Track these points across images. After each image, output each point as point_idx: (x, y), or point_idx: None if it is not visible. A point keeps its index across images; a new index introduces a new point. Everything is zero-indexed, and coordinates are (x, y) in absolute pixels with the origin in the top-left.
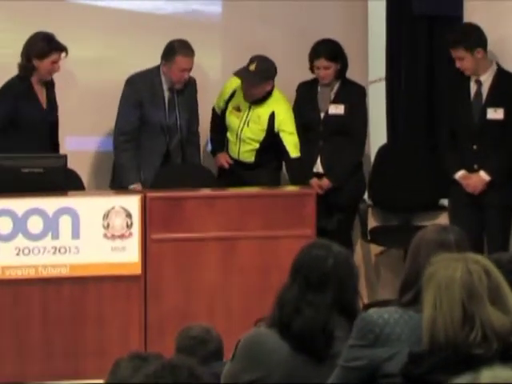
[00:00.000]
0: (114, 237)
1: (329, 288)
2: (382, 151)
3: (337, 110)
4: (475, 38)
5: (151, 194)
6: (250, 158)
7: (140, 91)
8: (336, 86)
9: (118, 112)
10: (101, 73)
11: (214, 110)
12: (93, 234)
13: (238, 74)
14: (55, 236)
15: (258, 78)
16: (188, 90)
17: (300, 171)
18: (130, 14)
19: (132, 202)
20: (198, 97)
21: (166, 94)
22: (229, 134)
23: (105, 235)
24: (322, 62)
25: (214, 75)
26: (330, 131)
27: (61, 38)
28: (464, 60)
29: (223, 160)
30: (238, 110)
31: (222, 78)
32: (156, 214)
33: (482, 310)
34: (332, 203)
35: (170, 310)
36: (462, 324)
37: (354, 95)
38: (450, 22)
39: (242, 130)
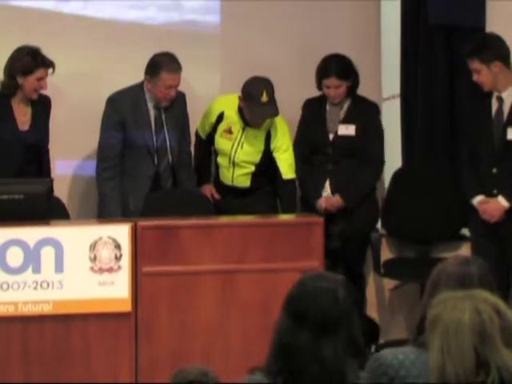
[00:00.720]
0: (101, 270)
1: (342, 326)
2: (397, 176)
3: (347, 130)
4: (493, 49)
5: (142, 223)
6: (245, 182)
7: (122, 111)
8: (346, 105)
9: (100, 135)
10: (91, 89)
11: (197, 134)
12: (78, 267)
13: (266, 115)
14: (37, 269)
15: (275, 105)
16: (176, 105)
17: (293, 196)
18: (118, 25)
19: (121, 232)
20: (191, 114)
21: (152, 113)
22: (220, 159)
23: (91, 268)
24: (332, 81)
25: (212, 92)
26: (339, 154)
27: (43, 52)
28: (480, 73)
29: (208, 193)
30: (230, 132)
31: (221, 94)
32: (148, 245)
33: (496, 354)
34: (341, 232)
35: (164, 351)
36: (476, 371)
37: (366, 114)
38: (470, 32)
39: (235, 152)
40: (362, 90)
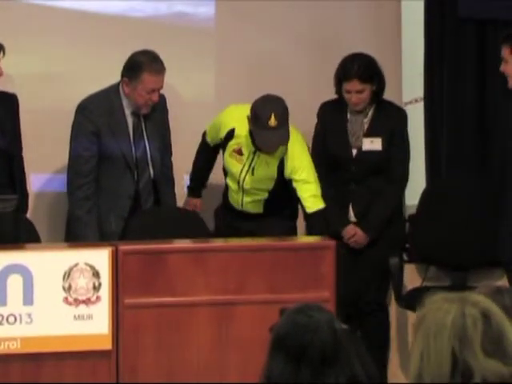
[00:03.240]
0: (77, 302)
1: (342, 358)
2: (426, 195)
3: (373, 145)
4: None
5: (124, 247)
6: (257, 208)
7: (96, 120)
8: (370, 112)
9: (70, 149)
10: (69, 92)
11: (204, 137)
12: (50, 298)
13: (268, 144)
14: (2, 301)
15: (287, 131)
16: (157, 111)
17: (323, 226)
18: (99, 18)
19: (100, 258)
20: (181, 118)
21: (130, 120)
22: (229, 181)
23: (65, 300)
24: (354, 85)
25: (206, 92)
26: (364, 171)
27: (19, 49)
28: (508, 64)
29: (196, 206)
30: (240, 153)
31: (216, 96)
32: (130, 273)
33: (474, 360)
34: (362, 259)
35: None
36: (451, 375)
37: (392, 122)
38: (505, 26)
39: (244, 179)
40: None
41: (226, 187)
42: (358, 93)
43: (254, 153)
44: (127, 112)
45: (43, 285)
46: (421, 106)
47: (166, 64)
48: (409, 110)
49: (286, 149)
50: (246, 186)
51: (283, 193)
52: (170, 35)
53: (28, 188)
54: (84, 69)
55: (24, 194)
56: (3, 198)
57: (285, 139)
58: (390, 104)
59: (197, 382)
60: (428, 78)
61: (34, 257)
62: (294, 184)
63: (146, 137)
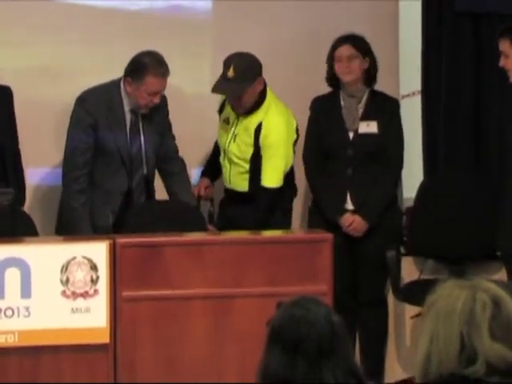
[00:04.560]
0: (74, 295)
1: (338, 350)
2: (423, 188)
3: (369, 127)
4: None
5: (122, 241)
6: (242, 185)
7: (95, 113)
8: (364, 99)
9: (66, 139)
10: (64, 87)
11: None
12: (48, 291)
13: (216, 90)
14: (0, 295)
15: (242, 84)
16: (156, 110)
17: (267, 208)
18: (92, 11)
19: (98, 251)
20: (178, 112)
21: (128, 117)
22: (220, 157)
23: (63, 293)
24: (346, 49)
25: (203, 87)
26: (361, 156)
27: (15, 43)
28: (508, 58)
29: (196, 190)
30: (228, 122)
31: None
32: (128, 266)
33: (480, 344)
34: (359, 251)
35: None
36: (459, 358)
37: (386, 110)
38: (502, 20)
39: (228, 146)
40: (378, 86)
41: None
42: (348, 60)
43: (237, 118)
44: (126, 109)
45: (41, 278)
46: (418, 99)
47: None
48: (406, 103)
49: (266, 114)
50: (230, 154)
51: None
52: (166, 29)
53: (34, 182)
54: (80, 62)
55: (21, 188)
56: (1, 190)
57: (235, 92)
58: (383, 94)
59: (194, 374)
60: (425, 71)
61: (31, 250)
62: (262, 152)
63: (142, 134)
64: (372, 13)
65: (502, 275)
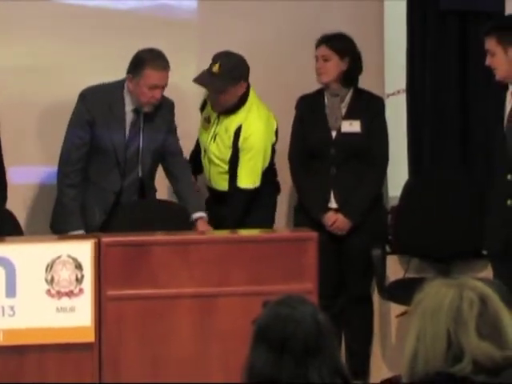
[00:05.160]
0: (59, 294)
1: (324, 348)
2: (408, 186)
3: (352, 127)
4: None
5: (107, 239)
6: (222, 184)
7: (94, 110)
8: (348, 97)
9: (65, 134)
10: (48, 84)
11: None
12: (33, 290)
13: (198, 80)
14: None
15: (224, 82)
16: (160, 114)
17: (237, 209)
18: (79, 10)
19: (83, 250)
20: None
21: (129, 117)
22: (202, 157)
23: (48, 292)
24: (320, 50)
25: (188, 86)
26: (343, 155)
27: None
28: (494, 56)
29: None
30: (208, 121)
31: (197, 88)
32: (113, 265)
33: (467, 342)
34: (344, 250)
35: None
36: (445, 356)
37: (370, 109)
38: (487, 19)
39: (208, 146)
40: (363, 85)
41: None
42: (324, 60)
43: (218, 118)
44: (128, 108)
45: (26, 277)
46: (403, 97)
47: None
48: (391, 101)
49: (247, 115)
50: (209, 154)
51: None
52: (152, 27)
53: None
54: (66, 62)
55: (3, 187)
56: None
57: (217, 87)
58: (368, 92)
59: (180, 373)
60: (410, 69)
61: (16, 249)
62: (240, 155)
63: (141, 136)
64: (357, 12)
65: (487, 273)
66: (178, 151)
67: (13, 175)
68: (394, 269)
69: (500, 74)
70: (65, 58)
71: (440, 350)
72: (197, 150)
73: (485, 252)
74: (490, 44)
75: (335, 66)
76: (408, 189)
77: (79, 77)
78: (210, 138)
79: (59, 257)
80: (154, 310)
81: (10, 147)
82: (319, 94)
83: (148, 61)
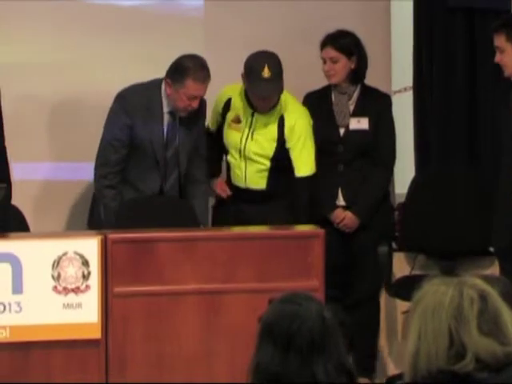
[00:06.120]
0: (66, 291)
1: (329, 344)
2: (415, 183)
3: (360, 124)
4: None
5: (113, 236)
6: (260, 183)
7: (133, 113)
8: (355, 94)
9: (102, 135)
10: (53, 81)
11: (207, 128)
12: (39, 287)
13: (265, 93)
14: None
15: (280, 82)
16: (195, 116)
17: (301, 198)
18: (85, 7)
19: (89, 247)
20: None
21: (166, 118)
22: (230, 157)
23: (55, 289)
24: (328, 52)
25: None
26: (352, 152)
27: (2, 39)
28: (504, 53)
29: (220, 189)
30: (238, 121)
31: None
32: (120, 262)
33: (468, 339)
34: (351, 247)
35: None
36: (448, 354)
37: (378, 106)
38: (494, 16)
39: (245, 145)
40: (370, 82)
41: (228, 170)
42: (331, 62)
43: (252, 115)
44: (165, 110)
45: (32, 274)
46: (410, 94)
47: (154, 53)
48: (398, 98)
49: (285, 106)
50: (248, 152)
51: (285, 168)
52: (158, 24)
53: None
54: (71, 58)
55: (8, 185)
56: None
57: (278, 90)
58: (375, 89)
59: (185, 369)
60: (417, 67)
61: (23, 246)
62: (290, 145)
63: (178, 137)
64: (364, 9)
65: (493, 270)
66: (203, 152)
67: (19, 171)
68: (401, 266)
69: (509, 70)
70: (71, 55)
71: (442, 348)
72: (215, 152)
73: (491, 249)
74: (500, 41)
75: (344, 66)
76: (415, 186)
77: (86, 74)
78: (244, 137)
79: (66, 253)
80: (160, 306)
81: (16, 143)
82: (326, 90)
83: (191, 71)
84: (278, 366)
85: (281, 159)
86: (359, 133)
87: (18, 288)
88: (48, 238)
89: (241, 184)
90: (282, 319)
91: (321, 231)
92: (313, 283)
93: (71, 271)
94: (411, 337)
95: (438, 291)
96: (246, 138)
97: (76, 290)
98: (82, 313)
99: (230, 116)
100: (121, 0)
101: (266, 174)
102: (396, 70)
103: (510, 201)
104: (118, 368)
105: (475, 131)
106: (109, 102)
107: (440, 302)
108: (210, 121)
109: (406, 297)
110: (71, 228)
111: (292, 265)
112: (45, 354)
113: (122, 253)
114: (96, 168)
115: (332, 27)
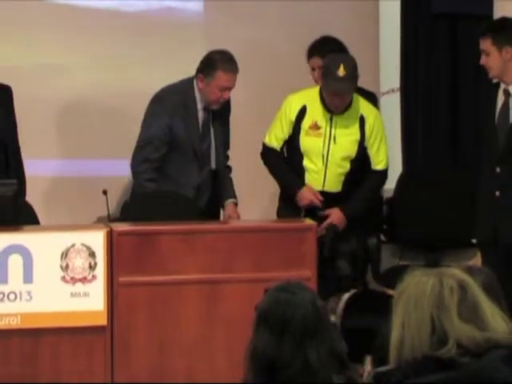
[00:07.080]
0: (74, 280)
1: (322, 330)
2: (402, 179)
3: None
4: (507, 33)
5: (119, 229)
6: (336, 186)
7: (172, 112)
8: None
9: (141, 134)
10: (63, 82)
11: (266, 148)
12: (48, 276)
13: (340, 89)
14: (3, 280)
15: (355, 81)
16: (223, 109)
17: (379, 190)
18: (90, 12)
19: (96, 239)
20: None
21: (201, 115)
22: (307, 162)
23: (63, 278)
24: (314, 62)
25: None
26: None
27: (14, 41)
28: (489, 56)
29: (312, 195)
30: (317, 127)
31: None
32: (125, 253)
33: (450, 325)
34: (341, 238)
35: (142, 369)
36: (430, 340)
37: None
38: (477, 21)
39: (329, 149)
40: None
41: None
42: (320, 69)
43: (331, 120)
44: (199, 107)
45: (42, 264)
46: (397, 95)
47: (155, 58)
48: (385, 99)
49: (361, 106)
50: (333, 157)
51: (359, 171)
52: (159, 30)
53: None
54: (80, 60)
55: (22, 182)
56: (3, 182)
57: (351, 88)
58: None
59: (186, 355)
60: (404, 69)
61: (33, 238)
62: (370, 142)
63: (212, 131)
64: (353, 12)
65: (476, 261)
66: (226, 145)
67: (31, 168)
68: (389, 257)
69: (494, 72)
70: (79, 57)
71: (425, 335)
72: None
73: (474, 241)
74: (485, 44)
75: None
76: (402, 182)
77: (93, 75)
78: (327, 142)
79: (73, 245)
80: (162, 295)
81: (28, 141)
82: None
83: (220, 63)
84: (273, 350)
85: (358, 160)
86: None
87: (28, 278)
88: (57, 231)
89: (317, 187)
90: (277, 307)
91: (313, 224)
92: (306, 273)
93: (79, 262)
94: (395, 326)
95: (419, 282)
96: (329, 142)
97: (83, 280)
98: (89, 301)
99: (307, 123)
100: (124, 6)
101: (343, 177)
102: (384, 72)
103: (491, 196)
104: (123, 353)
105: (459, 130)
106: (115, 102)
107: (422, 291)
108: (273, 138)
109: (394, 286)
110: (79, 221)
111: (287, 256)
112: (53, 340)
113: (127, 245)
114: (135, 165)
115: (323, 30)
